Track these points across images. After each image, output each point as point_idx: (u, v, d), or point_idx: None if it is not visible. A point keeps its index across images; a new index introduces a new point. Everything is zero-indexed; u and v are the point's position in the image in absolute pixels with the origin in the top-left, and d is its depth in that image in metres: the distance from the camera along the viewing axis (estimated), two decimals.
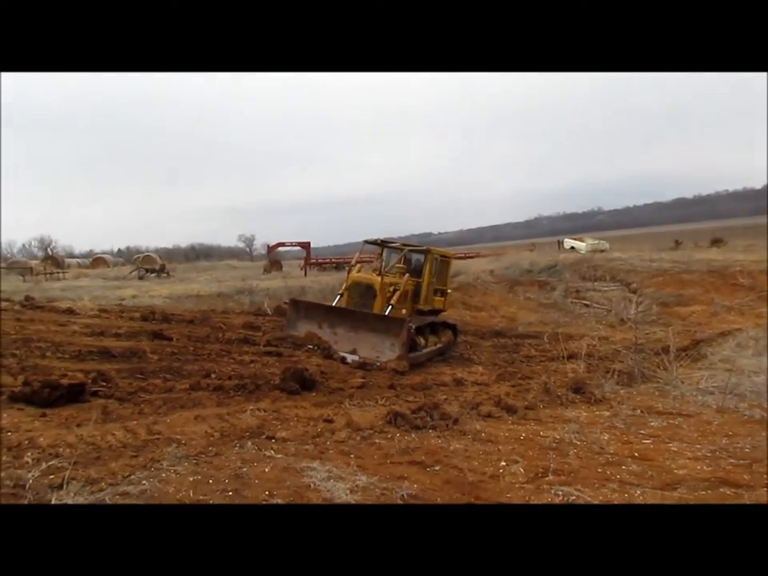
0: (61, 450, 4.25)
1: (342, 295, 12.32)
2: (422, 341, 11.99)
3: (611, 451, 5.31)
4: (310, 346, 10.62)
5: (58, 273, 39.20)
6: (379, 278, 11.98)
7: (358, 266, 13.32)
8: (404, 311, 12.24)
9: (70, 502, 3.31)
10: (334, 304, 12.10)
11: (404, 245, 13.59)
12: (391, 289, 11.85)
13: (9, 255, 68.68)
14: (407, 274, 12.29)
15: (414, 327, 11.15)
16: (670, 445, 5.58)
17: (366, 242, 13.43)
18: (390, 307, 11.39)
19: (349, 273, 12.76)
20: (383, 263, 13.11)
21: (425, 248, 13.35)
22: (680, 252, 34.28)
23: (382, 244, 13.48)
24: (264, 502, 3.61)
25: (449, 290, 14.58)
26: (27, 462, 3.89)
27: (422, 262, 13.07)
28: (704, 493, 4.25)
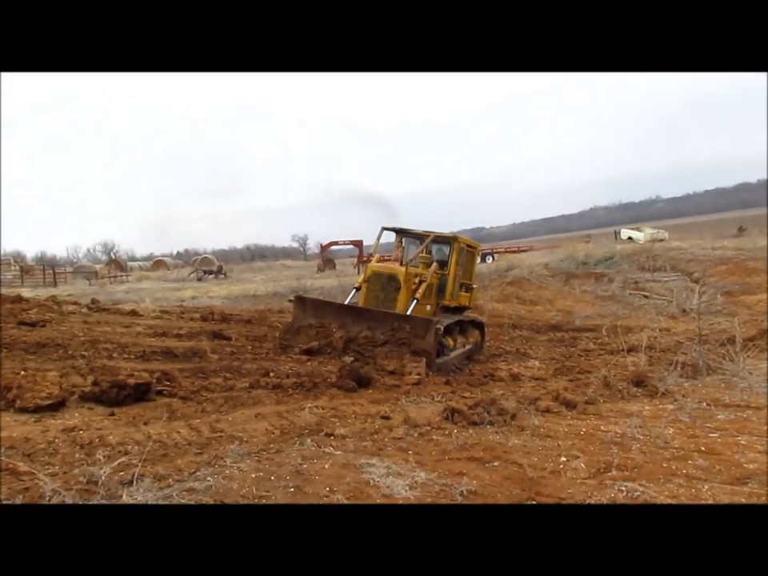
0: (129, 447, 4.37)
1: (357, 290, 10.98)
2: (450, 342, 10.68)
3: (676, 445, 5.13)
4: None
5: (121, 276, 40.75)
6: (403, 268, 10.53)
7: (378, 255, 12.04)
8: (428, 307, 11.01)
9: (140, 498, 3.42)
10: (346, 301, 10.94)
11: (427, 232, 11.77)
12: (417, 280, 10.56)
13: (75, 260, 71.68)
14: (435, 264, 11.18)
15: (442, 328, 9.88)
16: (739, 438, 5.35)
17: (385, 228, 11.98)
18: (415, 302, 10.18)
19: (367, 263, 11.52)
20: (404, 253, 11.82)
21: (451, 236, 11.94)
22: (744, 239, 33.01)
23: (402, 231, 12.12)
24: (324, 500, 3.65)
25: (474, 285, 13.41)
26: (99, 459, 4.02)
27: (446, 252, 11.75)
28: None
